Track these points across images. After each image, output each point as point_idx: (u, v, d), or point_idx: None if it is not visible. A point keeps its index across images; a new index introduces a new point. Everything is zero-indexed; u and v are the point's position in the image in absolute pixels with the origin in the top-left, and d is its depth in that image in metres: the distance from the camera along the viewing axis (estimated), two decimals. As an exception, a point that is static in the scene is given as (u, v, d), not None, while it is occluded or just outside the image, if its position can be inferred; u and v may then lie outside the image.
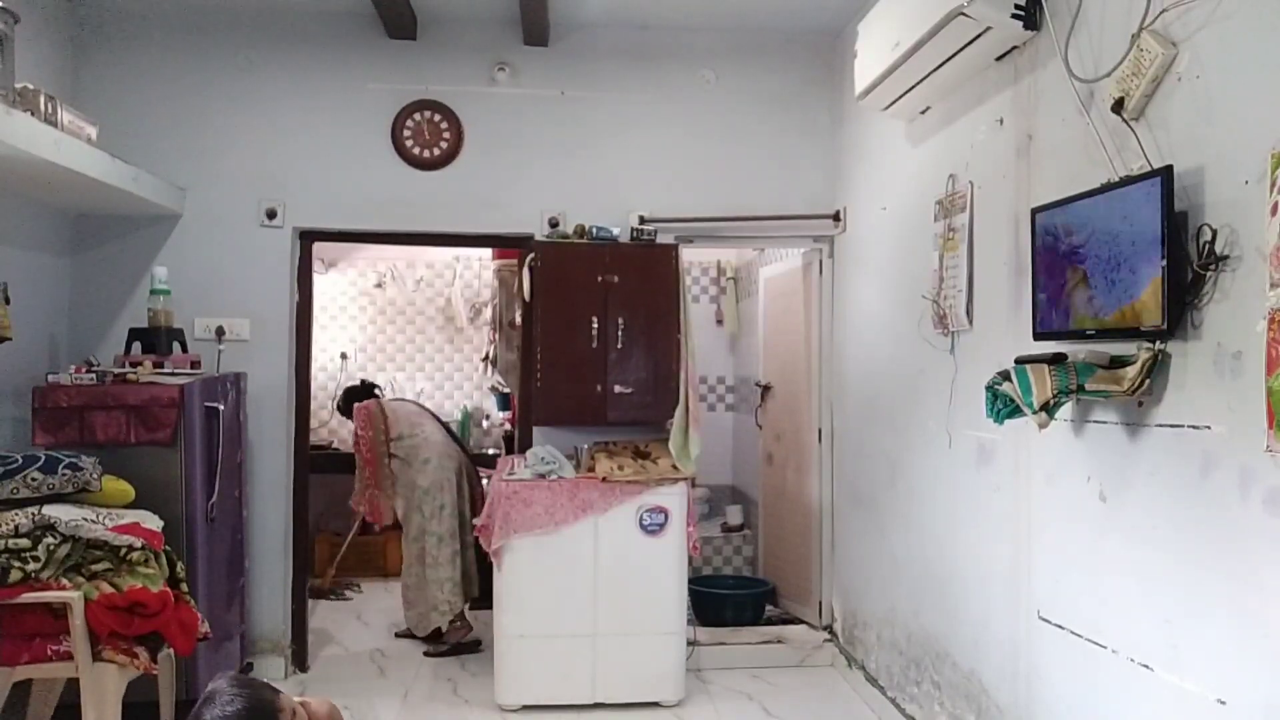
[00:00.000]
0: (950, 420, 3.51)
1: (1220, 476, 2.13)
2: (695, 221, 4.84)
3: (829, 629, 4.98)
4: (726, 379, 6.97)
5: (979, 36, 3.02)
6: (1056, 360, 2.52)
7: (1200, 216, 2.20)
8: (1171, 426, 2.30)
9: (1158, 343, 2.32)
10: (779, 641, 4.94)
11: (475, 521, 4.55)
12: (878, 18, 3.62)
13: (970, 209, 3.39)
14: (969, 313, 3.39)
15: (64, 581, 3.13)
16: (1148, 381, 2.33)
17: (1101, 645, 2.57)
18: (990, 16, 2.92)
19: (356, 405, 5.19)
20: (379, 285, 7.16)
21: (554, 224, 4.78)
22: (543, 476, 4.27)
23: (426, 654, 4.96)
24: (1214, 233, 2.14)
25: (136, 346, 4.13)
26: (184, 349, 4.25)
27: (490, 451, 6.59)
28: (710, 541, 5.95)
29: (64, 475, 3.35)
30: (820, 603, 5.03)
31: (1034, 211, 2.79)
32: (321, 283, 6.68)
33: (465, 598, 5.00)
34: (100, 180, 3.71)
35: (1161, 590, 2.32)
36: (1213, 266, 2.14)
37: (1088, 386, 2.41)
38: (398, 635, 5.25)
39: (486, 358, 6.89)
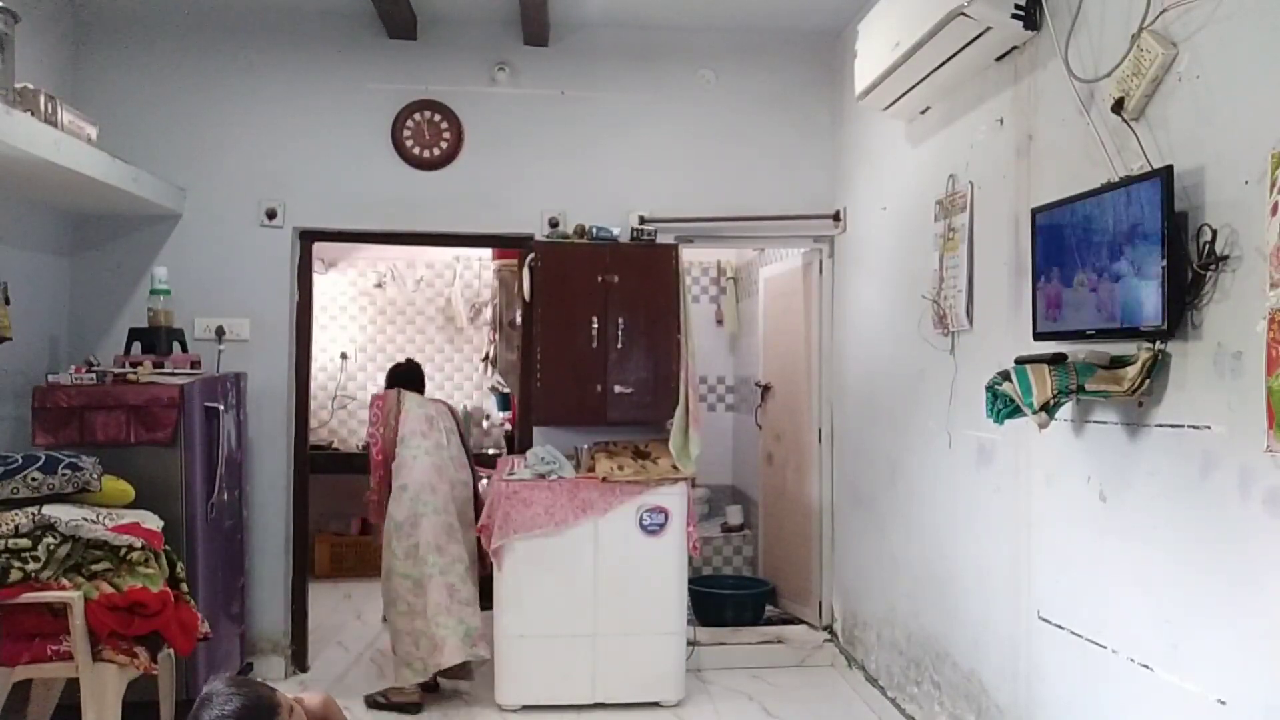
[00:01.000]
0: (950, 420, 3.51)
1: (1220, 476, 2.12)
2: (695, 221, 4.84)
3: (829, 629, 4.98)
4: (726, 379, 6.96)
5: (979, 37, 3.02)
6: (1056, 360, 2.52)
7: (1200, 216, 2.19)
8: (1171, 426, 2.30)
9: (1158, 343, 2.32)
10: (779, 641, 4.94)
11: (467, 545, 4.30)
12: (878, 18, 3.62)
13: (970, 209, 3.39)
14: (969, 313, 3.38)
15: (64, 581, 3.14)
16: (1148, 381, 2.33)
17: (1101, 645, 2.56)
18: (990, 16, 2.92)
19: (374, 394, 4.62)
20: (379, 285, 7.16)
21: (554, 224, 4.78)
22: (543, 476, 4.27)
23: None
24: (1214, 233, 2.14)
25: (136, 346, 4.13)
26: (184, 349, 4.26)
27: (490, 451, 6.58)
28: (710, 541, 5.95)
29: (64, 475, 3.35)
30: (820, 603, 5.03)
31: (1034, 211, 2.79)
32: (321, 283, 6.68)
33: (446, 661, 4.15)
34: (100, 180, 3.71)
35: (1161, 590, 2.32)
36: (1213, 266, 2.14)
37: (1088, 387, 2.41)
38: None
39: (486, 358, 6.89)
